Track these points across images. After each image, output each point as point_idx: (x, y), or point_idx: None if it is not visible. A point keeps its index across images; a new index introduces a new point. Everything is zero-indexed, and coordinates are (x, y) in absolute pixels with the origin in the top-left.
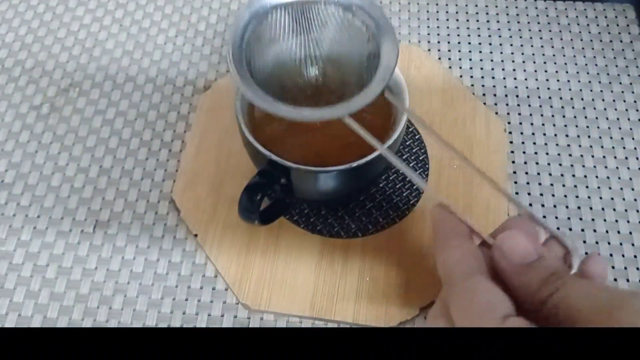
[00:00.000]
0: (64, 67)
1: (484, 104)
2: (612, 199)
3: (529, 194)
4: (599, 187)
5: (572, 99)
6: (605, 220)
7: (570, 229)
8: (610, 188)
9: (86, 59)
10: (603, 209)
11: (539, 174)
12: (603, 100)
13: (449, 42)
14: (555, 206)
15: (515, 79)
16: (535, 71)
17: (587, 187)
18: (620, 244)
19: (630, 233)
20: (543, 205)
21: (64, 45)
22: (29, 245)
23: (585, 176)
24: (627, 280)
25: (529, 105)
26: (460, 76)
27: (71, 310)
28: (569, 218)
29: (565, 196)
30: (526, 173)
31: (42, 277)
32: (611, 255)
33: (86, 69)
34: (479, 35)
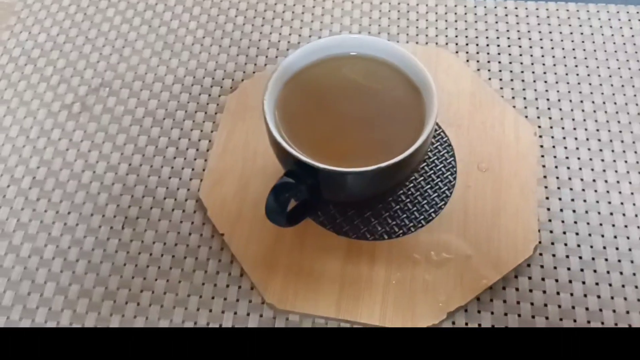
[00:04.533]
0: (94, 67)
1: (514, 107)
2: None
3: (559, 199)
4: (632, 193)
5: (604, 103)
6: (638, 227)
7: (603, 236)
8: None
9: (116, 59)
10: (636, 215)
11: (570, 179)
12: (636, 104)
13: (477, 45)
14: (587, 212)
15: (545, 82)
16: (567, 74)
17: (620, 192)
18: None
19: None
20: (574, 211)
21: (95, 45)
22: (59, 241)
23: (617, 182)
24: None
25: (560, 109)
26: (489, 79)
27: (99, 306)
28: (600, 224)
29: (598, 202)
30: (557, 178)
31: (72, 273)
32: None
33: (116, 69)
34: (508, 38)
